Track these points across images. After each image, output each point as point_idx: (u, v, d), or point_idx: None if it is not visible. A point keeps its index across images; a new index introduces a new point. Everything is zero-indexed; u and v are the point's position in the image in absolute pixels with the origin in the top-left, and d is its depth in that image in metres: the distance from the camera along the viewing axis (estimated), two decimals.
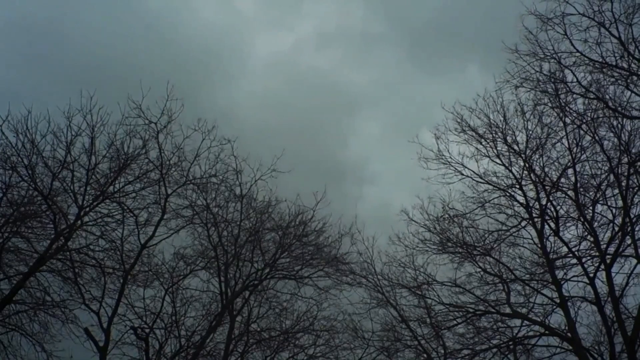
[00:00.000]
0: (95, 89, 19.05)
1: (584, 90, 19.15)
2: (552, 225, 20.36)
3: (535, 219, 20.68)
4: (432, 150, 21.69)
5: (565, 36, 18.65)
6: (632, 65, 18.39)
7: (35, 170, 18.72)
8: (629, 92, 18.68)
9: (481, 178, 21.37)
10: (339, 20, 57.68)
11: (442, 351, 22.10)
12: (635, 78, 18.50)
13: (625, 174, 18.98)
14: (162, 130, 20.34)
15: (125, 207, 20.13)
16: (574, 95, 19.52)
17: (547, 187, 20.34)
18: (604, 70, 18.67)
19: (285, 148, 22.32)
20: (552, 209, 20.32)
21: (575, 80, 19.16)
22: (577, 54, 18.74)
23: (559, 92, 19.54)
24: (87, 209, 19.64)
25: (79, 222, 19.54)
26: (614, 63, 18.43)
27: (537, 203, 20.60)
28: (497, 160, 21.06)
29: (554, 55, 19.03)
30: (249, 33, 55.38)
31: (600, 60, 18.49)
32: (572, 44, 18.62)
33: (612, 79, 18.78)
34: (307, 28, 58.34)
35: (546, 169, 20.55)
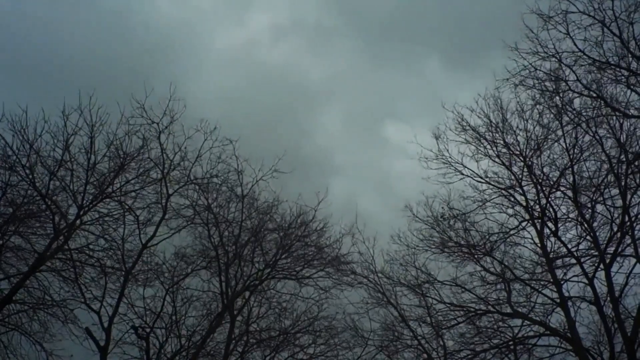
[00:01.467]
0: (94, 89, 18.98)
1: (584, 89, 19.15)
2: (551, 226, 20.34)
3: (535, 219, 20.68)
4: (432, 150, 21.83)
5: (567, 35, 18.64)
6: (633, 63, 18.41)
7: (34, 169, 18.71)
8: (629, 92, 18.71)
9: (481, 178, 21.42)
10: (293, 13, 57.73)
11: (442, 351, 22.10)
12: (636, 77, 18.51)
13: (624, 173, 18.97)
14: (164, 130, 20.39)
15: (126, 206, 20.14)
16: (574, 94, 19.54)
17: (546, 188, 20.33)
18: (605, 69, 18.66)
19: (286, 149, 22.44)
20: (552, 209, 20.31)
21: (575, 79, 19.18)
22: (579, 53, 18.74)
23: (559, 91, 19.54)
24: (87, 208, 19.63)
25: (79, 221, 19.53)
26: (615, 62, 18.42)
27: (536, 204, 20.59)
28: (497, 160, 21.16)
29: (555, 54, 19.05)
30: (205, 27, 54.95)
31: (601, 59, 18.49)
32: (574, 43, 18.64)
33: (613, 78, 18.77)
34: (261, 21, 58.26)
35: (545, 169, 20.60)
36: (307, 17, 57.15)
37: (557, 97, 19.56)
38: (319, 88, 52.97)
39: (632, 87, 18.57)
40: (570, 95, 19.58)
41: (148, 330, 21.22)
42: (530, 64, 19.27)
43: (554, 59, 19.18)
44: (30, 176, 18.58)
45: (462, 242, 21.93)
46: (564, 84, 19.40)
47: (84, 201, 19.42)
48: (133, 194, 20.29)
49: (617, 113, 18.95)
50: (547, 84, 19.65)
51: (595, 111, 19.29)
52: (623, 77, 18.58)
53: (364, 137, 51.32)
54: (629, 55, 18.26)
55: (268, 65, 51.58)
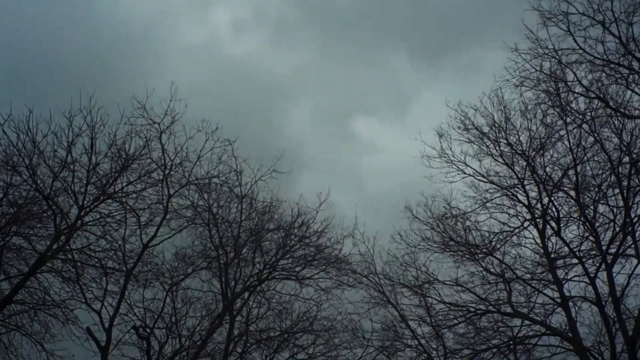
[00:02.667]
0: (94, 89, 19.01)
1: (584, 89, 19.19)
2: (554, 225, 20.40)
3: (537, 219, 20.73)
4: (435, 148, 21.84)
5: (569, 33, 18.68)
6: (633, 64, 18.46)
7: (36, 170, 18.65)
8: (629, 92, 18.77)
9: (484, 177, 21.45)
10: (255, 6, 56.65)
11: (443, 351, 22.12)
12: (636, 77, 18.58)
13: (627, 174, 19.03)
14: (165, 131, 20.33)
15: (128, 207, 20.07)
16: (575, 95, 19.58)
17: (548, 187, 20.38)
18: (605, 69, 18.72)
19: (285, 150, 22.43)
20: (554, 209, 20.37)
21: (575, 79, 19.23)
22: (580, 51, 18.78)
23: (560, 91, 19.58)
24: (88, 209, 19.56)
25: (80, 222, 19.47)
26: (615, 60, 18.48)
27: (539, 203, 20.65)
28: (500, 160, 21.17)
29: (554, 54, 19.09)
30: (167, 23, 53.59)
31: (602, 57, 18.54)
32: (576, 41, 18.67)
33: (613, 78, 18.83)
34: (224, 16, 57.03)
35: (548, 169, 20.63)
36: (269, 11, 56.42)
37: (559, 97, 19.58)
38: (285, 82, 52.40)
39: (631, 87, 18.65)
40: (570, 96, 19.65)
41: (149, 330, 21.18)
42: (528, 62, 19.36)
43: (553, 58, 19.25)
44: (33, 177, 18.50)
45: (463, 242, 21.94)
46: (564, 85, 19.46)
47: (85, 202, 19.35)
48: (134, 194, 20.21)
49: (617, 114, 19.01)
50: (547, 85, 19.71)
51: (595, 112, 19.36)
52: (623, 78, 18.65)
53: (333, 131, 51.08)
54: (629, 56, 18.33)
55: (232, 59, 50.61)
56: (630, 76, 18.52)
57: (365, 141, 48.53)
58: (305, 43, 55.74)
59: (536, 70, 19.42)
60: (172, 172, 20.68)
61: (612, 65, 18.61)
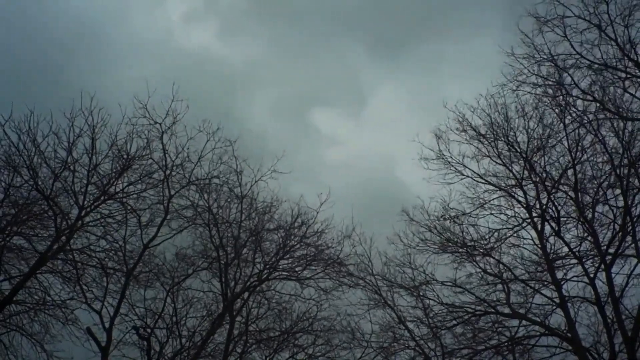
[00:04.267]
0: (95, 90, 19.04)
1: (582, 92, 19.29)
2: (553, 225, 20.46)
3: (536, 219, 20.79)
4: (433, 149, 21.89)
5: (565, 38, 18.79)
6: (630, 67, 18.57)
7: (37, 170, 18.69)
8: (626, 95, 18.87)
9: (482, 178, 21.48)
10: None
11: (440, 352, 22.13)
12: (633, 80, 18.69)
13: (626, 174, 19.11)
14: (167, 131, 20.40)
15: (128, 207, 20.10)
16: (573, 98, 19.69)
17: (547, 187, 20.45)
18: (602, 72, 18.82)
19: (284, 150, 22.43)
20: (553, 209, 20.44)
21: (573, 82, 19.33)
22: (577, 56, 18.89)
23: (557, 95, 19.70)
24: (88, 209, 19.61)
25: (80, 222, 19.50)
26: (612, 64, 18.58)
27: (537, 203, 20.71)
28: (498, 160, 21.20)
29: (551, 59, 19.19)
30: (118, 17, 52.26)
31: (599, 62, 18.63)
32: (572, 46, 18.78)
33: (610, 81, 18.93)
34: (176, 7, 56.35)
35: (547, 169, 20.69)
36: (220, 1, 55.67)
37: (558, 99, 19.70)
38: (241, 74, 51.52)
39: (628, 90, 18.76)
40: (567, 99, 19.75)
41: (149, 330, 21.19)
42: (526, 67, 19.47)
43: (550, 63, 19.37)
44: (34, 177, 18.52)
45: (461, 243, 21.97)
46: (561, 88, 19.56)
47: (86, 202, 19.38)
48: (135, 195, 20.26)
49: (615, 116, 19.11)
50: (545, 88, 19.83)
51: (594, 114, 19.46)
52: (620, 80, 18.75)
53: (292, 124, 50.48)
54: (626, 59, 18.44)
55: (185, 52, 49.52)
56: (627, 79, 18.63)
57: (324, 134, 48.40)
58: (259, 34, 55.12)
59: (533, 75, 19.55)
60: (173, 173, 20.72)
61: (609, 69, 18.72)
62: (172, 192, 20.90)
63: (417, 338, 22.44)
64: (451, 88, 51.39)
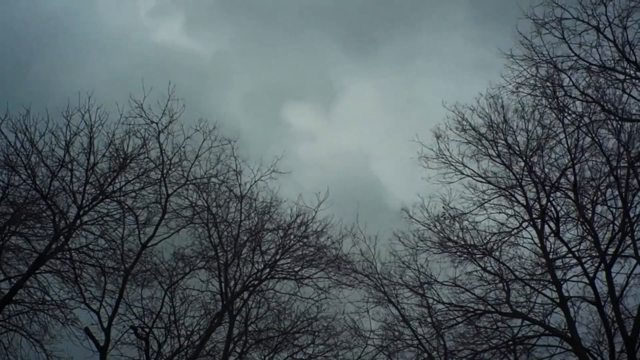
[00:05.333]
0: (93, 89, 19.00)
1: (581, 93, 19.21)
2: (552, 225, 20.43)
3: (536, 219, 20.73)
4: (432, 149, 21.84)
5: (563, 40, 18.72)
6: (628, 68, 18.48)
7: (35, 170, 18.68)
8: (625, 96, 18.78)
9: (482, 178, 21.45)
10: None
11: (443, 351, 22.10)
12: (633, 81, 18.60)
13: (625, 174, 19.03)
14: (163, 130, 20.35)
15: (126, 207, 20.09)
16: (572, 99, 19.62)
17: (547, 188, 20.39)
18: (601, 73, 18.74)
19: (284, 150, 22.35)
20: (553, 209, 20.39)
21: (572, 84, 19.25)
22: (575, 57, 18.82)
23: (557, 96, 19.62)
24: (87, 209, 19.60)
25: (79, 221, 19.50)
26: (611, 66, 18.51)
27: (537, 203, 20.65)
28: (498, 160, 21.21)
29: (549, 60, 19.12)
30: (86, 12, 52.05)
31: (597, 63, 18.57)
32: (570, 48, 18.71)
33: (609, 82, 18.86)
34: (144, 1, 56.09)
35: (546, 170, 20.65)
36: None
37: (557, 100, 19.62)
38: (211, 68, 51.39)
39: (627, 91, 18.67)
40: (566, 100, 19.68)
41: (147, 330, 21.18)
42: (526, 69, 19.39)
43: (549, 64, 19.30)
44: (32, 176, 18.52)
45: (461, 243, 21.93)
46: (560, 90, 19.50)
47: (84, 201, 19.37)
48: (133, 194, 20.23)
49: (614, 117, 19.04)
50: (544, 89, 19.76)
51: (593, 115, 19.40)
52: (619, 81, 18.68)
53: (265, 118, 50.19)
54: (624, 60, 18.35)
55: (153, 45, 49.54)
56: (626, 80, 18.55)
57: (297, 129, 47.99)
58: (227, 29, 55.19)
59: (532, 76, 19.47)
60: (170, 172, 20.68)
61: (607, 71, 18.64)
62: (170, 192, 20.84)
63: (420, 337, 22.40)
64: (423, 83, 52.38)
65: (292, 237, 22.81)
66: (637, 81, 18.42)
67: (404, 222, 22.48)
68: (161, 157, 20.47)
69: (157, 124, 20.26)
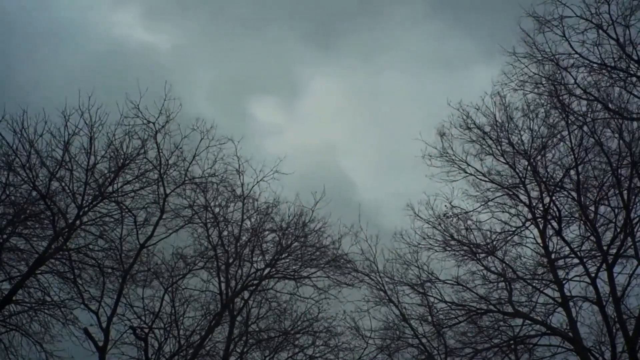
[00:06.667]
0: (93, 88, 18.85)
1: (583, 92, 19.13)
2: (555, 225, 20.38)
3: (538, 219, 20.67)
4: (436, 147, 21.86)
5: (564, 38, 18.65)
6: (631, 66, 18.40)
7: (34, 170, 18.59)
8: (628, 95, 18.70)
9: (485, 176, 21.39)
10: None
11: (444, 350, 22.05)
12: (634, 79, 18.53)
13: (628, 175, 18.96)
14: (161, 130, 20.23)
15: (124, 207, 20.00)
16: (574, 97, 19.56)
17: (550, 187, 20.32)
18: (603, 72, 18.67)
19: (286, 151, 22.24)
20: (555, 209, 20.34)
21: (574, 82, 19.18)
22: (576, 56, 18.75)
23: (559, 94, 19.54)
24: (86, 209, 19.51)
25: (78, 222, 19.42)
26: (612, 64, 18.44)
27: (540, 203, 20.60)
28: (501, 159, 21.17)
29: (552, 57, 19.03)
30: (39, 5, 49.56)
31: (599, 62, 18.48)
32: (571, 46, 18.66)
33: (611, 81, 18.78)
34: None
35: (549, 169, 20.60)
36: None
37: (559, 99, 19.55)
38: (170, 61, 50.18)
39: (629, 89, 18.59)
40: (568, 99, 19.60)
41: (146, 330, 21.12)
42: (527, 66, 19.32)
43: (551, 62, 19.21)
44: (31, 177, 18.44)
45: (464, 241, 21.88)
46: (562, 87, 19.42)
47: (84, 202, 19.29)
48: (132, 194, 20.15)
49: (616, 116, 18.96)
50: (547, 87, 19.69)
51: (594, 114, 19.32)
52: (621, 80, 18.60)
53: (229, 113, 49.26)
54: (627, 58, 18.27)
55: (109, 38, 47.77)
56: (629, 79, 18.47)
57: (262, 123, 47.14)
58: (185, 21, 53.86)
59: (535, 74, 19.41)
60: (168, 172, 20.58)
61: (609, 69, 18.56)
62: (168, 191, 20.75)
63: (421, 336, 22.36)
64: (386, 76, 52.13)
65: (291, 236, 22.73)
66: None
67: (409, 220, 22.44)
68: (159, 157, 20.40)
69: (154, 123, 20.18)
